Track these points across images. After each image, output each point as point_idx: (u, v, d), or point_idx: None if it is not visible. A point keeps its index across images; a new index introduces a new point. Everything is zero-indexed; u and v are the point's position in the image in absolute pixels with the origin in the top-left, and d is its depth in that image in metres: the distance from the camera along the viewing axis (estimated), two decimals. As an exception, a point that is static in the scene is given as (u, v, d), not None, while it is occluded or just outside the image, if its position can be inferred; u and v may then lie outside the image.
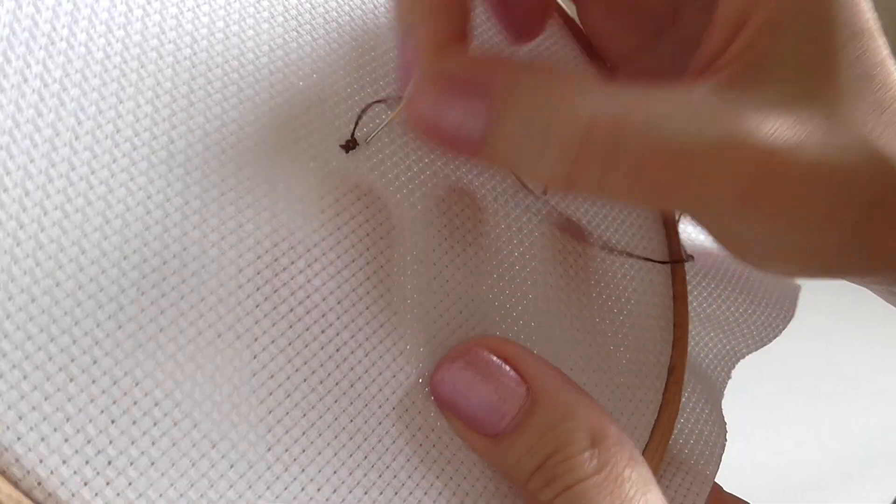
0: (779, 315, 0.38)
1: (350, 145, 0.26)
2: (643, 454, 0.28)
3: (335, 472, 0.23)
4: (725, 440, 0.31)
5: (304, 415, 0.23)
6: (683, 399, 0.31)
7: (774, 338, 0.37)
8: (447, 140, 0.23)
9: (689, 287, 0.33)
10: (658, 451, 0.28)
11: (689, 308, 0.32)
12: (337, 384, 0.23)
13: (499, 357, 0.25)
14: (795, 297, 0.39)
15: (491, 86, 0.22)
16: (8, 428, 0.19)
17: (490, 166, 0.28)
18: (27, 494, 0.19)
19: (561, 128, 0.20)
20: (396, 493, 0.23)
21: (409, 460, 0.24)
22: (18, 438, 0.19)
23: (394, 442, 0.24)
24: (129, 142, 0.22)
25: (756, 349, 0.37)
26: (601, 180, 0.20)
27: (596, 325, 0.29)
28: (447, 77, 0.23)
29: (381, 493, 0.23)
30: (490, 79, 0.22)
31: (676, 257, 0.32)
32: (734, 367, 0.36)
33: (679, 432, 0.30)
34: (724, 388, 0.34)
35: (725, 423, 0.32)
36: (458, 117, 0.22)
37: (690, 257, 0.33)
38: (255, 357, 0.22)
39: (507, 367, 0.24)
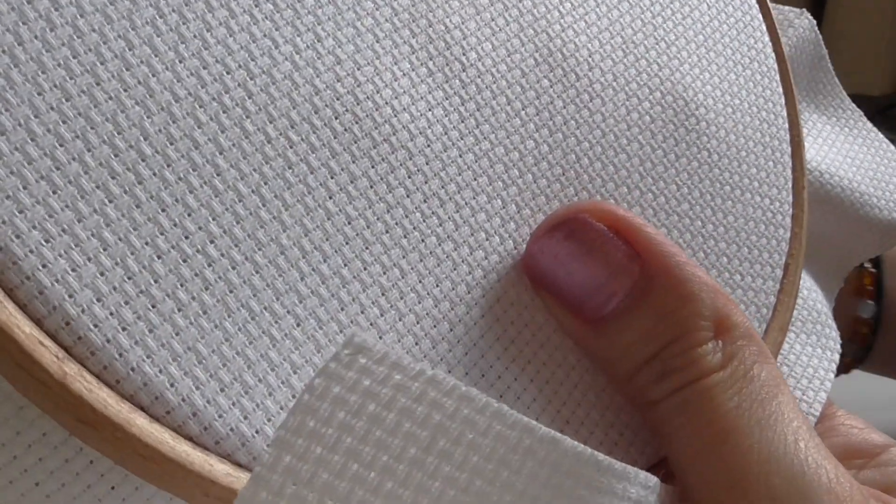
0: None
1: None
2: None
3: (416, 344, 0.19)
4: (839, 350, 0.27)
5: (384, 272, 0.19)
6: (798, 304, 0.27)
7: None
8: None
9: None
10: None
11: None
12: (423, 241, 0.20)
13: (608, 226, 0.21)
14: None
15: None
16: (31, 252, 0.15)
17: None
18: (52, 336, 0.15)
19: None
20: (483, 376, 0.20)
21: (498, 339, 0.20)
22: (44, 265, 0.15)
23: (483, 316, 0.20)
24: None
25: (877, 252, 0.33)
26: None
27: (704, 195, 0.25)
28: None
29: (466, 374, 0.19)
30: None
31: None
32: (848, 272, 0.32)
33: (794, 340, 0.27)
34: (835, 295, 0.30)
35: (837, 333, 0.28)
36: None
37: None
38: (330, 196, 0.19)
39: (619, 240, 0.21)
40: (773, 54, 0.29)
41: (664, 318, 0.20)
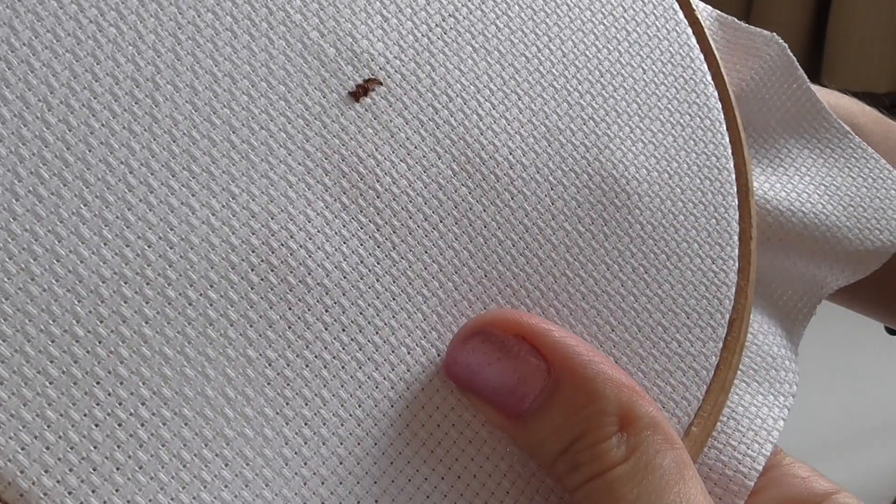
0: (885, 232, 0.33)
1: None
2: (694, 419, 0.26)
3: (341, 463, 0.21)
4: (793, 393, 0.28)
5: (306, 404, 0.21)
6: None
7: (877, 266, 0.33)
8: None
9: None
10: (712, 417, 0.26)
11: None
12: (343, 368, 0.22)
13: (515, 333, 0.22)
14: None
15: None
16: None
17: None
18: None
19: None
20: (410, 481, 0.22)
21: (423, 444, 0.22)
22: None
23: (407, 426, 0.22)
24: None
25: (850, 280, 0.33)
26: None
27: (636, 270, 0.26)
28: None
29: (392, 482, 0.22)
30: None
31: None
32: (818, 303, 0.32)
33: (743, 390, 0.28)
34: (804, 329, 0.31)
35: (796, 374, 0.29)
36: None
37: None
38: (250, 344, 0.21)
39: (526, 344, 0.22)
40: (717, 104, 0.30)
41: (572, 416, 0.22)
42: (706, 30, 0.31)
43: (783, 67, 0.34)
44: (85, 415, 0.19)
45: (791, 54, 0.35)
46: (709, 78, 0.30)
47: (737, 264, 0.28)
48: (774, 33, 0.34)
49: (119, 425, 0.20)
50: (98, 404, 0.19)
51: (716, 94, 0.30)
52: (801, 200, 0.32)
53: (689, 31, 0.30)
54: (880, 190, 0.34)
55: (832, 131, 0.35)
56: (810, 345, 0.30)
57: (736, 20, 0.35)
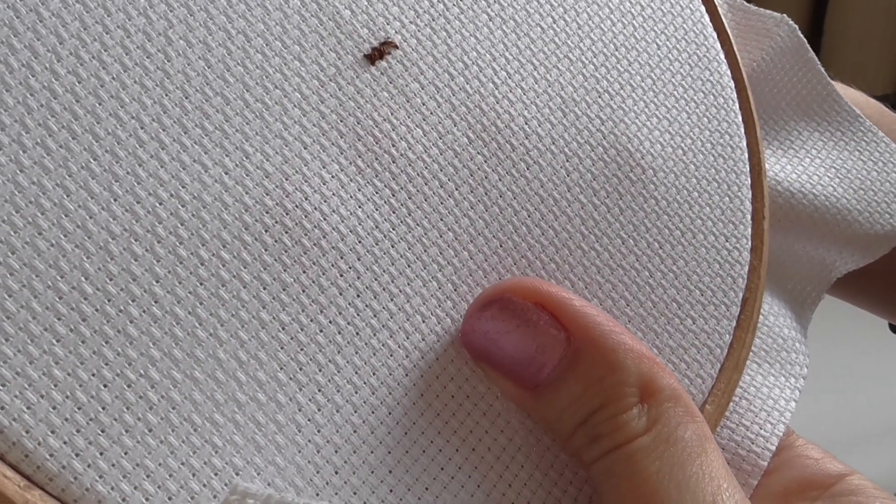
0: (894, 217, 0.33)
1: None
2: (708, 397, 0.26)
3: (355, 432, 0.21)
4: (804, 374, 0.28)
5: (320, 370, 0.21)
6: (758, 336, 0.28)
7: (886, 250, 0.33)
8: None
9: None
10: (725, 396, 0.26)
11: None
12: (357, 334, 0.21)
13: (535, 301, 0.22)
14: None
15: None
16: None
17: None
18: (14, 467, 0.18)
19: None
20: (424, 452, 0.21)
21: (438, 415, 0.22)
22: (1, 408, 0.18)
23: (422, 395, 0.22)
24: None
25: (859, 264, 0.33)
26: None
27: (651, 245, 0.26)
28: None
29: (406, 452, 0.21)
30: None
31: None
32: (828, 286, 0.32)
33: (755, 371, 0.27)
34: (812, 312, 0.31)
35: (807, 356, 0.29)
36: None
37: None
38: (263, 307, 0.20)
39: (545, 313, 0.22)
40: (731, 83, 0.30)
41: (592, 386, 0.21)
42: (718, 9, 0.31)
43: (794, 49, 0.34)
44: (93, 374, 0.19)
45: (801, 36, 0.34)
46: (722, 56, 0.30)
47: (750, 243, 0.28)
48: (785, 14, 0.33)
49: (129, 386, 0.19)
50: (107, 364, 0.19)
51: (728, 72, 0.30)
52: (812, 183, 0.32)
53: (703, 8, 0.30)
54: (891, 174, 0.34)
55: (843, 114, 0.34)
56: (813, 343, 0.30)
57: (745, 3, 0.35)
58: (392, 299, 0.22)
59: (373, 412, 0.21)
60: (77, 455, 0.18)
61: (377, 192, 0.22)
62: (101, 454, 0.18)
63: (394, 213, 0.22)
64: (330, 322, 0.21)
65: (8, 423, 0.18)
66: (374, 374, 0.21)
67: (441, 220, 0.23)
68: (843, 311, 0.41)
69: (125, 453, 0.18)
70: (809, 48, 0.34)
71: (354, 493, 0.20)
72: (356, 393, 0.21)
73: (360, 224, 0.22)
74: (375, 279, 0.22)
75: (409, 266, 0.22)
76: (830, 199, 0.32)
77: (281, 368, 0.20)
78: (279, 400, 0.20)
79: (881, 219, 0.32)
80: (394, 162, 0.23)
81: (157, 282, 0.19)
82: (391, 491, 0.21)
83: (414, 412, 0.22)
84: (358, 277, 0.22)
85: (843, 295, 0.39)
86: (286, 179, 0.21)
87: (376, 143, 0.23)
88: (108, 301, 0.19)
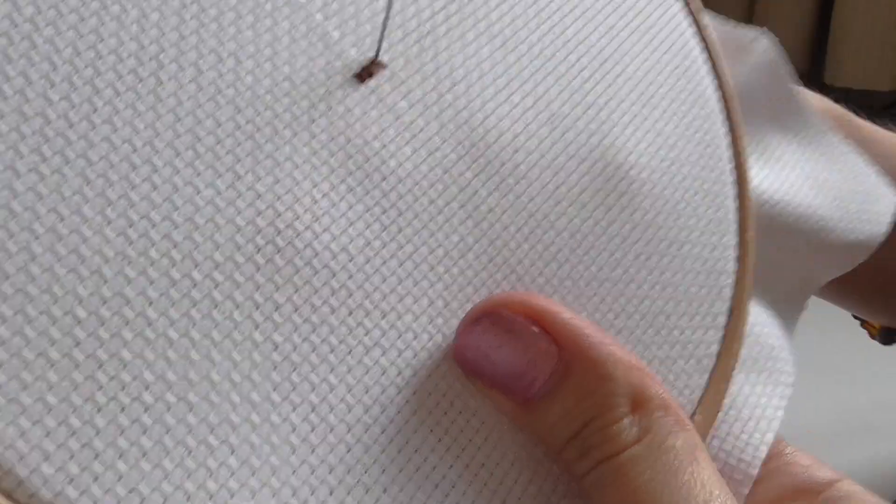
0: (870, 224, 0.33)
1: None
2: (697, 407, 0.26)
3: (349, 451, 0.21)
4: (791, 383, 0.28)
5: (313, 389, 0.21)
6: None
7: (864, 257, 0.33)
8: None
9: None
10: (714, 405, 0.26)
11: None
12: (350, 353, 0.21)
13: (525, 315, 0.22)
14: (892, 203, 0.34)
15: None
16: None
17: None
18: (8, 495, 0.18)
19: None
20: (418, 469, 0.22)
21: (431, 431, 0.22)
22: None
23: (415, 413, 0.22)
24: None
25: (840, 272, 0.33)
26: None
27: (639, 257, 0.26)
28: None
29: (400, 471, 0.21)
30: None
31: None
32: (810, 295, 0.32)
33: (743, 381, 0.28)
34: (796, 321, 0.31)
35: (792, 364, 0.29)
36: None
37: None
38: (256, 327, 0.21)
39: (535, 327, 0.22)
40: (715, 94, 0.30)
41: (583, 399, 0.22)
42: (703, 23, 0.31)
43: (771, 61, 0.34)
44: (87, 399, 0.19)
45: (779, 50, 0.35)
46: (707, 68, 0.30)
47: (735, 253, 0.28)
48: (765, 28, 0.34)
49: (122, 410, 0.19)
50: (100, 388, 0.19)
51: (713, 83, 0.30)
52: (792, 193, 0.33)
53: (687, 21, 0.30)
54: (862, 184, 0.34)
55: (814, 128, 0.35)
56: (806, 342, 0.30)
57: (724, 18, 0.35)
58: (384, 317, 0.22)
59: (366, 431, 0.21)
60: (71, 482, 0.18)
61: (367, 210, 0.23)
62: (95, 480, 0.18)
63: (384, 230, 0.23)
64: (322, 341, 0.21)
65: (1, 450, 0.18)
66: (366, 392, 0.21)
67: (431, 236, 0.23)
68: (834, 308, 0.41)
69: (119, 479, 0.18)
70: (784, 62, 0.35)
71: None
72: (349, 412, 0.21)
73: (350, 242, 0.22)
74: (367, 297, 0.22)
75: (399, 283, 0.23)
76: (809, 209, 0.32)
77: (274, 389, 0.20)
78: (273, 421, 0.20)
79: (858, 226, 0.32)
80: (384, 180, 0.23)
81: (150, 304, 0.20)
82: None
83: (408, 429, 0.22)
84: (350, 295, 0.22)
85: (829, 297, 0.39)
86: (278, 199, 0.22)
87: (366, 161, 0.23)
88: (102, 325, 0.19)
